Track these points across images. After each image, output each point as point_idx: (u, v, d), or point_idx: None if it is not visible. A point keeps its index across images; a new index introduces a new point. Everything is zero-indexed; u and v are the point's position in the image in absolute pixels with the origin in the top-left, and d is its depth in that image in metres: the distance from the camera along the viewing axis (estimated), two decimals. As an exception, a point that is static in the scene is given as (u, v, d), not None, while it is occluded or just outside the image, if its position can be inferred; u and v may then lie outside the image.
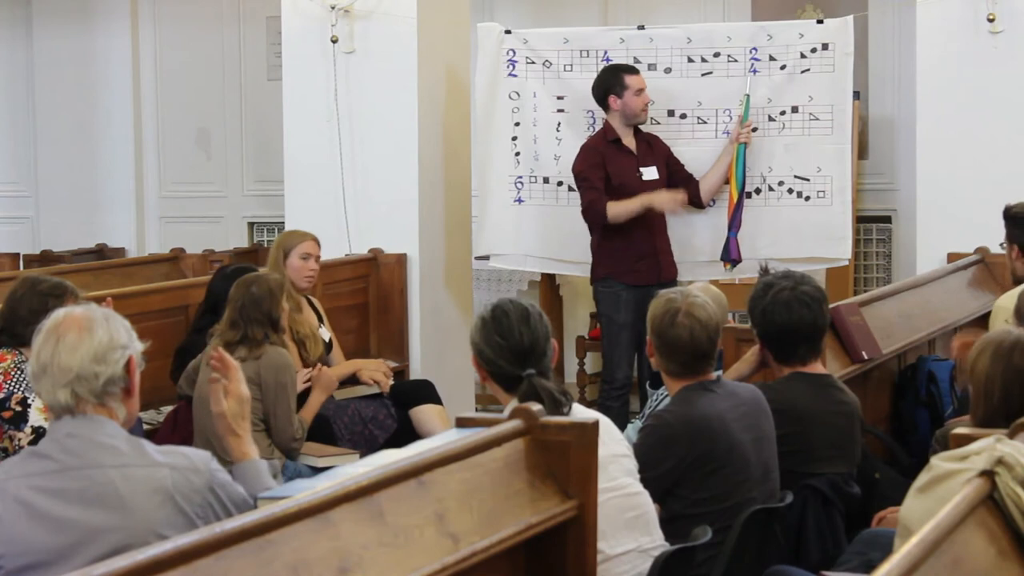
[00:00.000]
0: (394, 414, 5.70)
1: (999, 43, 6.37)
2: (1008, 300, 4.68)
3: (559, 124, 6.79)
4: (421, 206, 6.90)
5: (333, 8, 6.87)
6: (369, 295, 6.89)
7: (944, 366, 5.42)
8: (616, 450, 3.28)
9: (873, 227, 8.51)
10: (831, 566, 3.64)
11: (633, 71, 6.43)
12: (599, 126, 6.60)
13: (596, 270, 6.44)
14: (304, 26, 6.99)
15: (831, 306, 4.32)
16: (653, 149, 6.46)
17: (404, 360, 6.84)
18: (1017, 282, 5.26)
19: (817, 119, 6.50)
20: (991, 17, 6.33)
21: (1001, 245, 5.21)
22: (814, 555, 3.82)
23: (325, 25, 6.90)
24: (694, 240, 6.58)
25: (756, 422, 3.74)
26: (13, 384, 4.41)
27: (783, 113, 6.53)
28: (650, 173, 6.39)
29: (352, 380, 5.79)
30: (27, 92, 10.03)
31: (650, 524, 3.33)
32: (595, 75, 6.54)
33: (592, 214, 6.30)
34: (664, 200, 6.30)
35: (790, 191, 6.55)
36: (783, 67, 6.52)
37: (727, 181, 6.47)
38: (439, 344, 7.00)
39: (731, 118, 6.57)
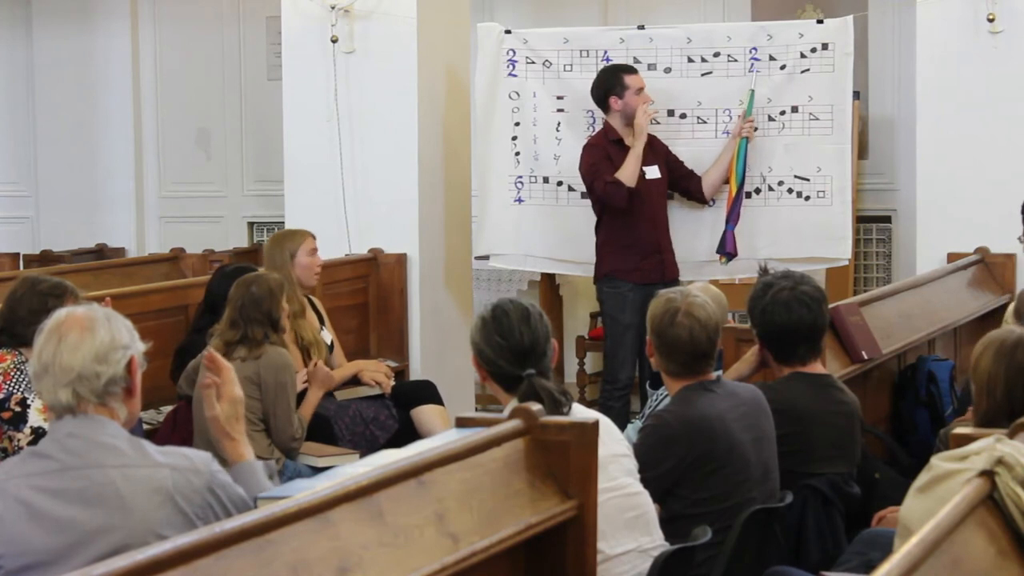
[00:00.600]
0: (395, 415, 5.70)
1: (999, 43, 6.37)
2: None
3: (559, 124, 6.79)
4: (421, 206, 6.90)
5: (333, 8, 6.87)
6: (369, 295, 6.89)
7: (944, 366, 5.43)
8: (616, 450, 3.28)
9: (873, 227, 8.51)
10: (831, 566, 3.64)
11: (632, 71, 6.43)
12: (599, 126, 6.60)
13: (600, 267, 6.44)
14: (304, 26, 6.99)
15: (831, 306, 4.32)
16: (653, 148, 6.46)
17: (404, 360, 6.84)
18: None
19: (817, 119, 6.50)
20: (991, 17, 6.33)
21: (1019, 239, 5.19)
22: (814, 555, 3.83)
23: (325, 25, 6.90)
24: (695, 240, 6.58)
25: (756, 422, 3.74)
26: (12, 385, 4.41)
27: (783, 113, 6.53)
28: (652, 172, 6.39)
29: (353, 381, 5.79)
30: (27, 92, 10.04)
31: (650, 524, 3.33)
32: (595, 75, 6.55)
33: (612, 194, 6.24)
34: (641, 117, 6.28)
35: (790, 191, 6.55)
36: (783, 67, 6.52)
37: (728, 177, 6.47)
38: (439, 344, 7.00)
39: (731, 118, 6.57)
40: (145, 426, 5.24)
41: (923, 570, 2.04)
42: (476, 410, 6.98)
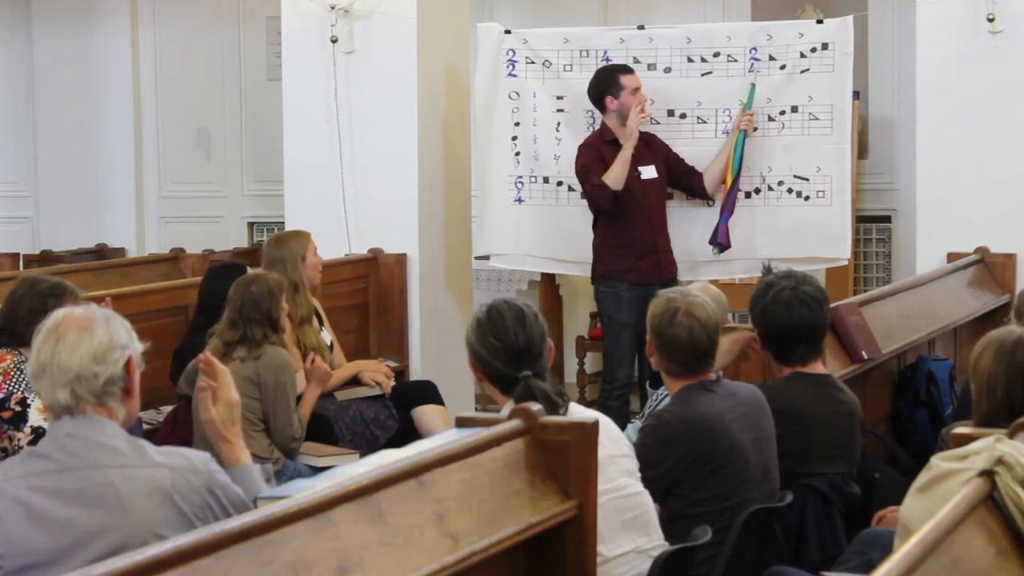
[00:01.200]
0: (395, 415, 5.70)
1: (999, 43, 6.37)
2: None
3: (559, 124, 6.79)
4: (421, 206, 6.90)
5: (333, 8, 6.87)
6: (369, 295, 6.89)
7: (944, 366, 5.42)
8: (615, 451, 3.27)
9: (873, 227, 8.51)
10: (831, 566, 3.64)
11: (628, 71, 6.43)
12: (599, 126, 6.60)
13: (596, 268, 6.44)
14: (304, 26, 6.99)
15: (831, 306, 4.32)
16: (651, 148, 6.46)
17: (404, 360, 6.84)
18: None
19: (817, 119, 6.50)
20: (991, 17, 6.33)
21: None
22: (814, 555, 3.83)
23: (325, 25, 6.90)
24: (693, 239, 6.58)
25: (756, 422, 3.74)
26: (12, 384, 4.41)
27: (783, 113, 6.53)
28: (648, 172, 6.39)
29: (354, 381, 5.79)
30: (27, 92, 10.04)
31: (649, 524, 3.33)
32: (595, 75, 6.55)
33: (598, 197, 6.26)
34: (633, 120, 6.28)
35: (790, 191, 6.55)
36: (783, 67, 6.52)
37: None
38: (439, 344, 7.00)
39: (731, 118, 6.57)
40: (145, 426, 5.24)
41: (923, 570, 2.04)
42: (476, 410, 6.98)
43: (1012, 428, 2.64)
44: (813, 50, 6.51)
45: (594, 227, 6.47)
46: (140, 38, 9.86)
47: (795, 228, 6.52)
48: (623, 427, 4.28)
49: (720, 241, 6.42)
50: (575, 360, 8.24)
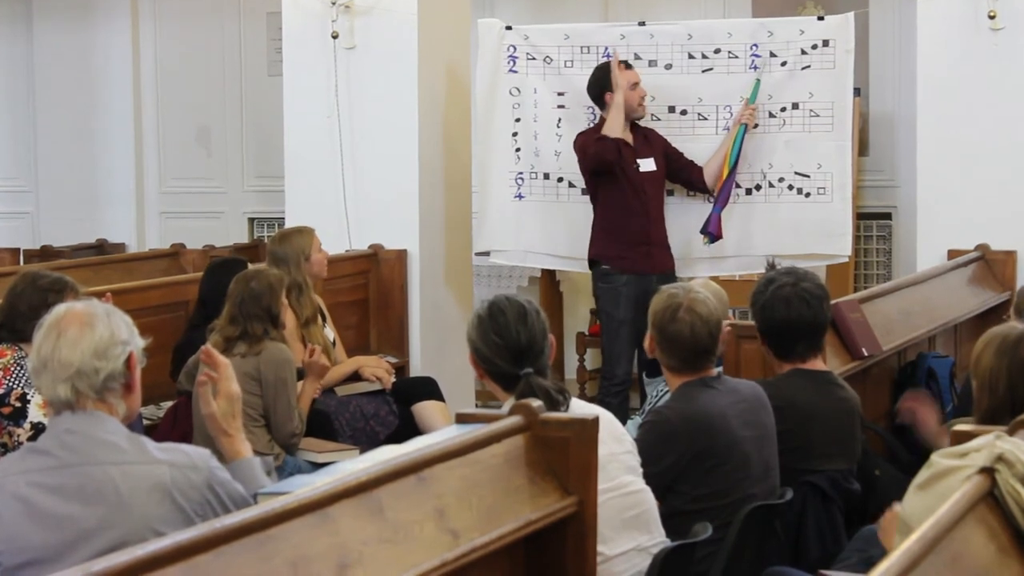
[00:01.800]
0: (396, 411, 5.70)
1: (1000, 40, 6.37)
2: None
3: (559, 120, 6.79)
4: (421, 202, 6.90)
5: (334, 4, 6.86)
6: (369, 291, 6.89)
7: (944, 363, 5.43)
8: (616, 448, 3.27)
9: (873, 224, 8.51)
10: (831, 563, 3.64)
11: (627, 67, 6.44)
12: (599, 122, 6.60)
13: (589, 251, 6.46)
14: (304, 22, 6.98)
15: (831, 302, 4.32)
16: (650, 142, 6.47)
17: (404, 356, 6.84)
18: None
19: (817, 116, 6.50)
20: (992, 14, 6.33)
21: None
22: (814, 551, 3.83)
23: (326, 21, 6.89)
24: (693, 237, 6.58)
25: (756, 418, 3.74)
26: (13, 380, 4.41)
27: (783, 109, 6.53)
28: (647, 164, 6.40)
29: (354, 377, 5.79)
30: (27, 88, 10.04)
31: (650, 522, 3.33)
32: (596, 71, 6.55)
33: (603, 149, 6.26)
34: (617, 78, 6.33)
35: (790, 188, 6.55)
36: (784, 63, 6.52)
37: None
38: (439, 340, 7.01)
39: (731, 114, 6.57)
40: (145, 422, 5.23)
41: (923, 567, 2.04)
42: (476, 406, 6.98)
43: (1012, 425, 2.64)
44: (814, 47, 6.50)
45: (594, 210, 6.48)
46: (140, 34, 9.86)
47: (796, 225, 6.52)
48: (622, 423, 4.28)
49: (711, 231, 6.43)
50: (575, 356, 8.24)
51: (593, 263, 6.49)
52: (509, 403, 2.92)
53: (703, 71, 6.63)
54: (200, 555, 1.93)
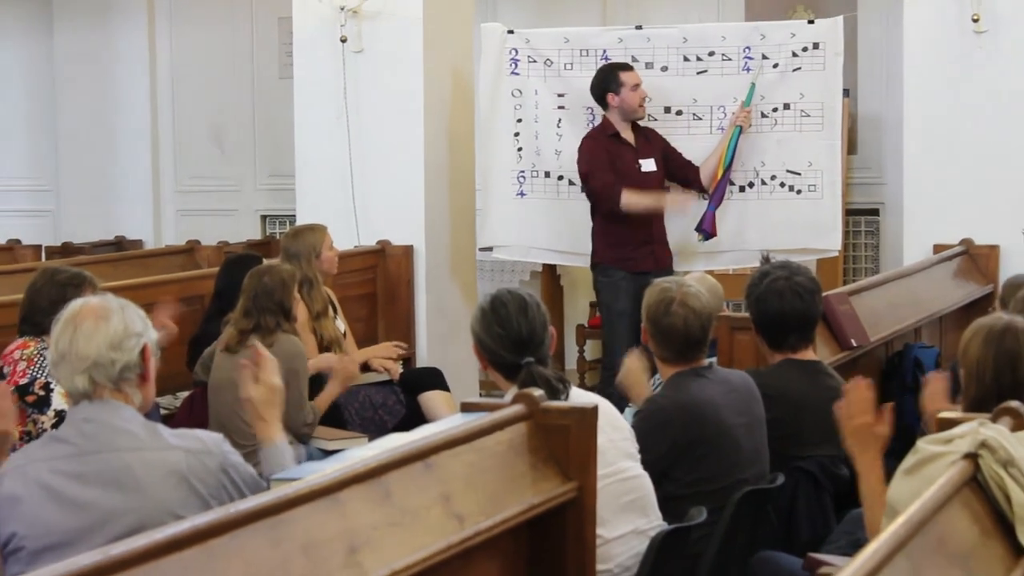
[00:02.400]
0: (403, 400, 5.70)
1: (983, 43, 6.36)
2: None
3: (560, 120, 6.79)
4: (427, 199, 6.90)
5: (342, 9, 6.86)
6: (377, 285, 6.89)
7: (930, 353, 5.42)
8: (614, 435, 3.27)
9: (862, 219, 8.51)
10: (820, 545, 3.65)
11: (628, 68, 6.43)
12: (598, 122, 6.60)
13: (594, 255, 6.45)
14: (314, 26, 6.98)
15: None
16: (651, 142, 6.47)
17: (411, 348, 6.84)
18: None
19: (808, 116, 6.50)
20: (975, 18, 6.32)
21: (1023, 231, 5.17)
22: (804, 534, 3.83)
23: (335, 25, 6.89)
24: (690, 233, 6.58)
25: (747, 407, 3.74)
26: (36, 370, 4.42)
27: (775, 110, 6.53)
28: (648, 165, 6.40)
29: (363, 368, 5.79)
30: (48, 90, 10.04)
31: (647, 506, 3.33)
32: (594, 73, 6.54)
33: (606, 199, 6.27)
34: (676, 203, 6.30)
35: (782, 185, 6.55)
36: (775, 65, 6.52)
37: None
38: (444, 332, 7.01)
39: (725, 114, 6.57)
40: (163, 411, 5.24)
41: (909, 549, 2.04)
42: (480, 396, 6.98)
43: (995, 412, 2.64)
44: (804, 49, 6.50)
45: (592, 215, 6.47)
46: (157, 37, 9.86)
47: (787, 220, 6.52)
48: (621, 411, 4.28)
49: (706, 228, 6.43)
50: (575, 348, 8.24)
51: (596, 266, 6.48)
52: (511, 392, 2.92)
53: (698, 73, 6.62)
54: (215, 538, 1.93)
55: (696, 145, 6.58)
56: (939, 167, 6.51)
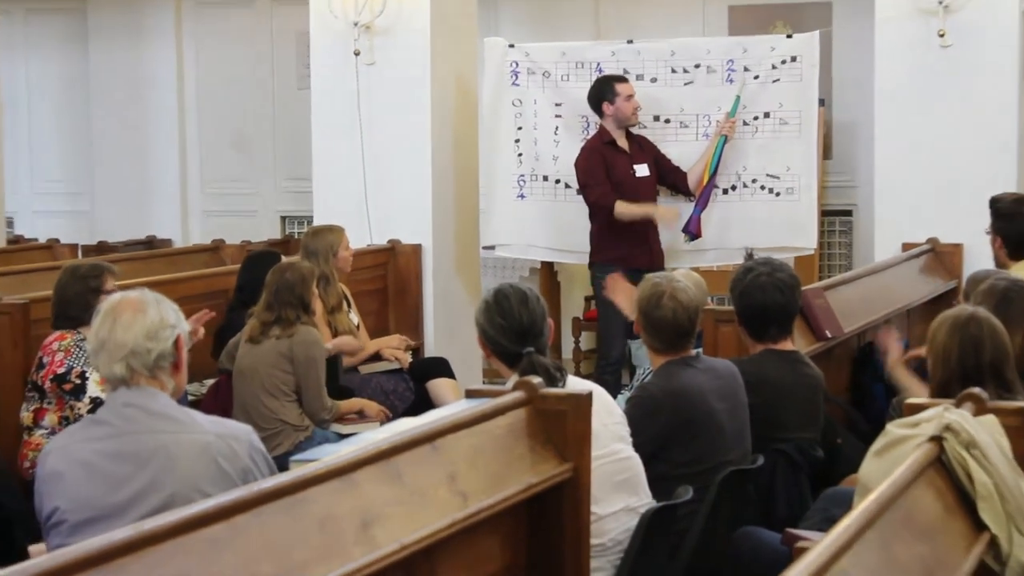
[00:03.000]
0: (412, 387, 5.71)
1: (949, 56, 6.36)
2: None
3: (557, 128, 6.79)
4: (434, 201, 6.90)
5: (356, 25, 6.86)
6: (388, 281, 6.89)
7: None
8: (608, 420, 3.27)
9: (836, 220, 8.50)
10: (797, 521, 3.65)
11: (623, 80, 6.44)
12: (593, 130, 6.60)
13: (594, 254, 6.46)
14: (330, 41, 6.98)
15: (799, 290, 4.31)
16: (643, 149, 6.47)
17: (419, 338, 6.85)
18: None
19: (786, 123, 6.50)
20: (941, 33, 6.32)
21: (986, 232, 5.16)
22: (782, 511, 3.83)
23: (349, 40, 6.89)
24: (678, 232, 6.58)
25: (731, 393, 3.75)
26: (73, 359, 4.43)
27: (756, 118, 6.53)
28: (642, 170, 6.41)
29: (375, 357, 5.80)
30: (84, 101, 10.05)
31: (638, 485, 3.34)
32: (589, 84, 6.55)
33: (601, 209, 6.30)
34: (663, 216, 6.29)
35: (762, 187, 6.55)
36: (756, 77, 6.52)
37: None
38: (450, 324, 7.01)
39: (710, 123, 6.57)
40: (190, 397, 5.25)
41: (879, 524, 2.05)
42: (483, 383, 6.99)
43: (959, 398, 2.65)
44: (783, 62, 6.50)
45: (591, 217, 6.47)
46: (184, 52, 9.86)
47: (767, 220, 6.52)
48: (614, 398, 4.29)
49: (691, 230, 6.46)
50: (571, 339, 8.24)
51: (593, 264, 6.48)
52: (513, 379, 2.93)
53: (685, 84, 6.62)
54: (240, 515, 1.94)
55: (683, 151, 6.59)
56: (908, 171, 6.51)
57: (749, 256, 4.39)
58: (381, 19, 6.85)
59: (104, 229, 9.65)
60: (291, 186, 9.53)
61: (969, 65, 6.36)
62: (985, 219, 5.02)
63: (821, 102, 6.90)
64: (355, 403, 5.20)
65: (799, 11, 8.41)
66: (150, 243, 9.33)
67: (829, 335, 4.84)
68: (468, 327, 6.09)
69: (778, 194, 6.53)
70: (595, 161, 6.34)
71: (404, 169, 6.90)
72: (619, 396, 4.69)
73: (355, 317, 5.78)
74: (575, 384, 3.23)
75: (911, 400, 2.75)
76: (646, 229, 6.37)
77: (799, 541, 2.55)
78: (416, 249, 6.90)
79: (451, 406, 2.85)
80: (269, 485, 2.04)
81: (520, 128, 6.82)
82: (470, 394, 2.78)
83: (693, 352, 3.77)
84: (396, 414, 5.41)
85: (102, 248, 8.67)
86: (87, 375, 4.39)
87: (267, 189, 9.79)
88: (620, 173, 6.34)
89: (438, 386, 5.70)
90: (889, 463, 2.51)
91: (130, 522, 2.13)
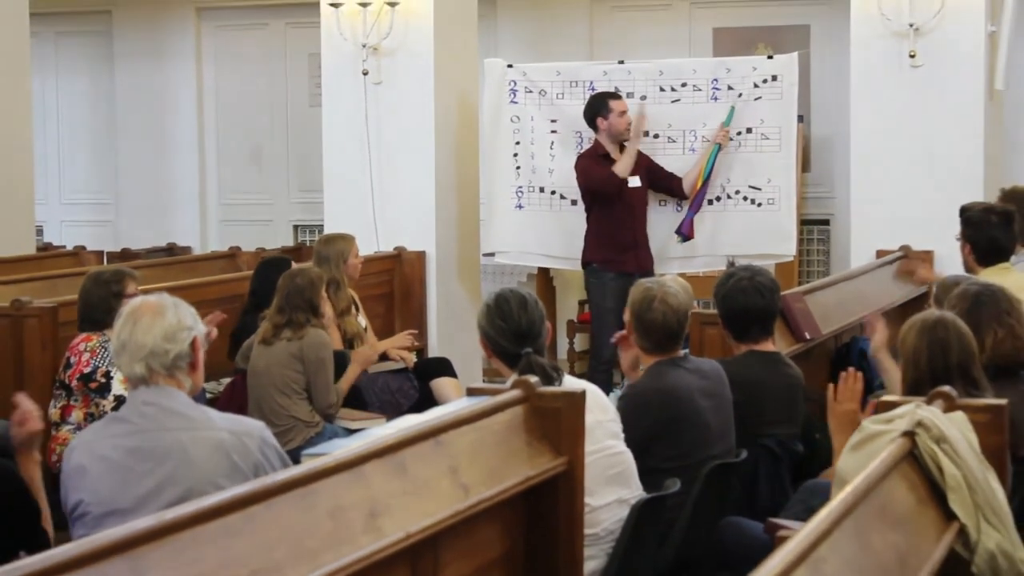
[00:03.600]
0: (416, 385, 5.70)
1: (919, 75, 6.36)
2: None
3: (552, 143, 6.79)
4: (437, 211, 6.90)
5: (364, 46, 6.87)
6: (394, 286, 6.88)
7: (873, 345, 5.40)
8: (601, 417, 3.26)
9: (815, 228, 8.51)
10: (778, 512, 3.64)
11: (617, 96, 6.44)
12: (587, 145, 6.60)
13: (585, 255, 6.46)
14: (340, 61, 6.98)
15: (780, 294, 4.31)
16: (635, 161, 6.46)
17: (423, 340, 6.84)
18: None
19: (768, 138, 6.50)
20: (912, 54, 6.33)
21: (956, 239, 5.16)
22: (764, 502, 3.82)
23: (357, 60, 6.89)
24: (666, 239, 6.58)
25: (716, 391, 3.74)
26: (98, 360, 4.42)
27: (739, 133, 6.53)
28: (634, 181, 6.41)
29: (382, 357, 5.78)
30: (109, 117, 10.05)
31: (629, 478, 3.33)
32: (583, 102, 6.55)
33: (608, 185, 6.27)
34: (638, 128, 6.30)
35: (745, 198, 6.55)
36: (739, 95, 6.52)
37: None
38: (452, 326, 7.00)
39: (696, 138, 6.58)
40: (208, 395, 5.24)
41: (855, 514, 2.05)
42: (484, 382, 6.98)
43: (930, 396, 2.64)
44: (764, 81, 6.50)
45: (587, 221, 6.47)
46: (203, 72, 9.87)
47: (749, 229, 6.52)
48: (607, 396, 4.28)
49: (684, 232, 6.46)
50: (566, 340, 8.24)
51: (586, 264, 6.48)
52: (512, 378, 2.92)
53: (672, 101, 6.62)
54: (254, 506, 1.93)
55: (670, 164, 6.58)
56: (881, 183, 6.51)
57: (731, 263, 4.39)
58: (388, 41, 6.85)
59: (128, 237, 9.65)
60: (303, 197, 9.53)
61: (939, 83, 6.36)
62: (955, 227, 5.01)
63: (800, 118, 6.91)
64: (355, 359, 5.16)
65: (779, 33, 8.42)
66: (171, 250, 9.33)
67: (808, 337, 4.83)
68: (469, 329, 6.09)
69: (760, 204, 6.53)
70: (591, 163, 6.36)
71: (409, 181, 6.90)
72: (611, 394, 4.69)
73: (363, 320, 5.77)
74: (570, 383, 3.22)
75: (885, 397, 2.74)
76: (635, 234, 6.37)
77: (780, 530, 2.54)
78: (420, 256, 6.90)
79: (453, 403, 2.84)
80: (282, 477, 2.03)
81: (518, 143, 6.82)
82: (471, 392, 2.77)
83: (681, 353, 3.76)
84: (401, 411, 5.40)
85: (125, 255, 8.66)
86: (112, 374, 4.38)
87: (281, 200, 9.78)
88: (613, 184, 6.33)
89: (441, 385, 5.69)
90: (864, 457, 2.51)
91: (150, 515, 2.12)
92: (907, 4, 6.30)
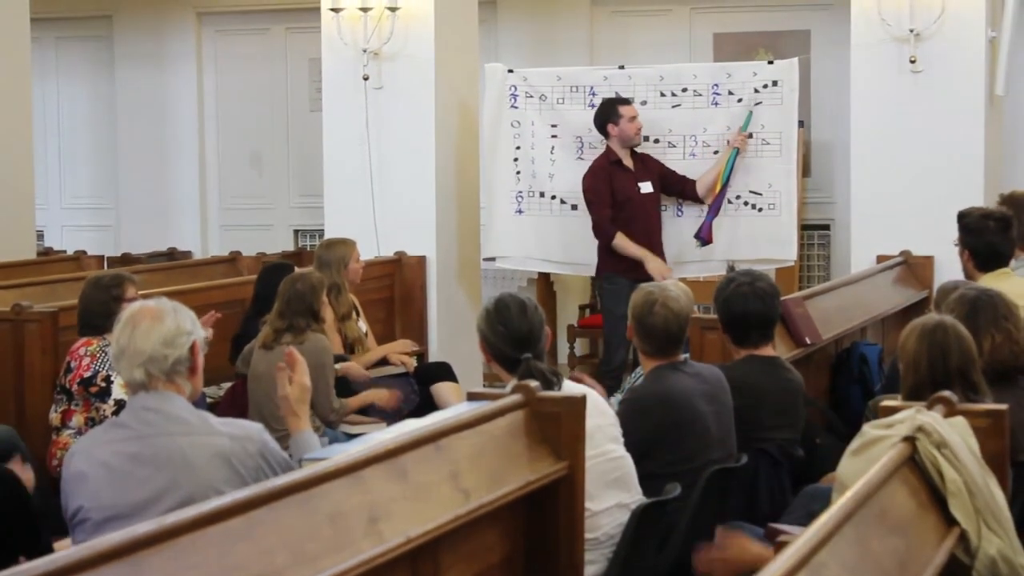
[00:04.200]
0: (417, 390, 5.69)
1: (919, 80, 6.37)
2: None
3: (553, 148, 6.78)
4: (438, 216, 6.91)
5: (365, 51, 6.87)
6: (395, 290, 6.89)
7: (874, 350, 5.41)
8: (601, 422, 3.27)
9: (815, 234, 8.51)
10: (779, 516, 3.64)
11: (626, 102, 6.43)
12: (587, 150, 6.61)
13: (601, 266, 6.43)
14: (340, 66, 6.99)
15: (780, 299, 4.31)
16: (647, 166, 6.45)
17: (424, 344, 6.84)
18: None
19: (768, 144, 6.50)
20: (912, 59, 6.34)
21: (955, 244, 5.16)
22: (765, 507, 3.82)
23: (358, 65, 6.90)
24: (678, 244, 6.57)
25: (716, 396, 3.74)
26: (98, 364, 4.43)
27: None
28: (646, 187, 6.39)
29: (383, 362, 5.79)
30: (110, 122, 10.06)
31: (629, 483, 3.33)
32: (583, 107, 6.57)
33: (601, 234, 6.29)
34: (653, 269, 6.17)
35: (746, 204, 6.55)
36: (740, 100, 6.52)
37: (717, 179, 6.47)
38: (453, 331, 7.01)
39: (696, 143, 6.57)
40: (208, 400, 5.24)
41: (856, 519, 2.05)
42: (484, 386, 6.98)
43: (930, 401, 2.65)
44: (765, 86, 6.50)
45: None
46: (204, 76, 9.88)
47: (750, 234, 6.52)
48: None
49: (703, 236, 6.44)
50: (567, 345, 8.24)
51: (602, 273, 6.44)
52: (512, 383, 2.92)
53: (672, 107, 6.62)
54: (255, 510, 1.93)
55: (671, 168, 6.57)
56: (882, 188, 6.51)
57: (731, 268, 4.39)
58: (388, 46, 6.86)
59: (128, 242, 9.65)
60: (304, 202, 9.53)
61: (939, 88, 6.37)
62: (954, 233, 5.01)
63: (800, 123, 6.91)
64: (368, 396, 5.19)
65: (780, 38, 8.43)
66: (171, 255, 9.32)
67: (808, 342, 4.83)
68: (470, 333, 6.08)
69: (760, 210, 6.53)
70: (601, 180, 6.32)
71: (410, 186, 6.90)
72: (612, 398, 4.69)
73: (363, 325, 5.77)
74: (570, 388, 3.22)
75: (886, 402, 2.74)
76: (650, 242, 6.34)
77: (781, 535, 2.54)
78: (421, 260, 6.90)
79: (454, 408, 2.84)
80: (283, 482, 2.03)
81: (518, 148, 6.82)
82: (471, 397, 2.78)
83: (682, 357, 3.76)
84: (402, 416, 5.40)
85: (126, 259, 8.66)
86: (112, 379, 4.38)
87: (281, 204, 9.79)
88: (626, 191, 6.33)
89: (441, 389, 5.69)
90: (865, 462, 2.51)
91: (150, 519, 2.11)
92: (907, 9, 6.31)
